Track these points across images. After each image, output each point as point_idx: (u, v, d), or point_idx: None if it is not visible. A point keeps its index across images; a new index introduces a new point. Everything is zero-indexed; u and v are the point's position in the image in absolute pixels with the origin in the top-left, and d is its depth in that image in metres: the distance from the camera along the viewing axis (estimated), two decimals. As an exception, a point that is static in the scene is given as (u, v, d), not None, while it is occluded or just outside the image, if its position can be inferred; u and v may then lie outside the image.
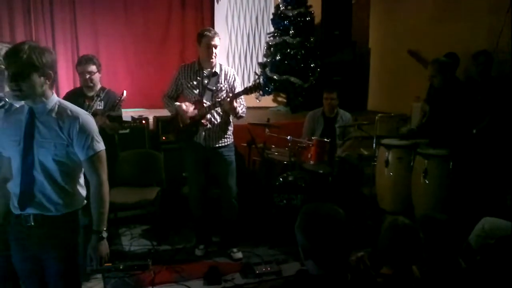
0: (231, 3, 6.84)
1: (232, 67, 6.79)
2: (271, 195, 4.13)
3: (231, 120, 3.70)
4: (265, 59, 6.75)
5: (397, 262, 1.87)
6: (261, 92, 6.43)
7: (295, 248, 1.65)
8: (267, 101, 6.85)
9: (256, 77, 6.78)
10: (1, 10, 5.61)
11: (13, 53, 1.92)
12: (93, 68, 3.68)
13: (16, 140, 2.00)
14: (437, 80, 3.91)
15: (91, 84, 3.69)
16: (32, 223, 2.03)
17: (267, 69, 6.56)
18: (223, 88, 3.57)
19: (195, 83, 3.55)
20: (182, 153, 3.88)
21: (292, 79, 6.38)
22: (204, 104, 3.52)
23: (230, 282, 3.38)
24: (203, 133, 3.57)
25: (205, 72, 3.56)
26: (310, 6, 6.56)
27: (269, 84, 6.50)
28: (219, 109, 3.57)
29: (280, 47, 6.47)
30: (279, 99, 7.06)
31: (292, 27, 6.39)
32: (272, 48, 6.58)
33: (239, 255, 3.77)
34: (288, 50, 6.40)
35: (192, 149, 3.65)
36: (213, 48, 3.47)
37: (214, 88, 3.55)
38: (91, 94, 3.72)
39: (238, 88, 3.61)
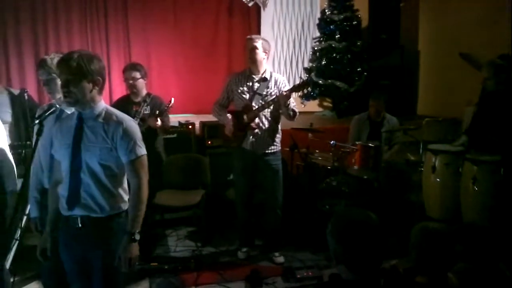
0: (277, 9, 6.90)
1: (278, 72, 6.84)
2: (314, 200, 4.12)
3: (279, 127, 3.73)
4: (310, 64, 6.74)
5: (431, 270, 1.82)
6: (305, 91, 6.37)
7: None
8: (312, 106, 6.83)
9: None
10: (59, 21, 5.97)
11: (64, 61, 2.04)
12: (136, 74, 3.85)
13: (66, 144, 2.11)
14: (491, 83, 3.75)
15: (135, 90, 3.87)
16: (79, 225, 2.13)
17: (313, 74, 6.54)
18: (273, 94, 3.60)
19: (245, 88, 3.62)
20: (228, 157, 3.94)
21: (338, 83, 6.33)
22: (253, 108, 3.57)
23: (271, 285, 3.40)
24: (251, 139, 3.61)
25: (255, 78, 3.63)
26: (357, 10, 6.49)
27: (315, 89, 6.48)
28: (267, 115, 3.61)
29: (326, 51, 6.44)
30: (325, 104, 7.02)
31: (338, 32, 6.34)
32: (317, 53, 6.56)
33: (281, 259, 3.78)
34: (334, 55, 6.35)
35: (240, 155, 3.69)
36: (256, 51, 3.54)
37: (264, 93, 3.60)
38: (137, 100, 3.88)
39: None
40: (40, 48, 5.80)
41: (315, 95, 6.58)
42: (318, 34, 6.70)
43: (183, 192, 4.31)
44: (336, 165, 4.19)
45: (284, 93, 3.46)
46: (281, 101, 3.47)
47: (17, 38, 5.81)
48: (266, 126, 3.62)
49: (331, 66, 6.36)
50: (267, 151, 3.66)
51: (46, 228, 2.25)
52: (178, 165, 4.45)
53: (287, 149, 4.40)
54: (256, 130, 3.59)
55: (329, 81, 6.35)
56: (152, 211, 3.84)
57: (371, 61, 6.55)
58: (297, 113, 3.62)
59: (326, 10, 6.52)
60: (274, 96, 3.58)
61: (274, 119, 3.66)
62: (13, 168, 2.67)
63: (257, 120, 3.58)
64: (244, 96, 3.61)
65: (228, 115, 3.65)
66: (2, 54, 5.76)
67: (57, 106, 2.13)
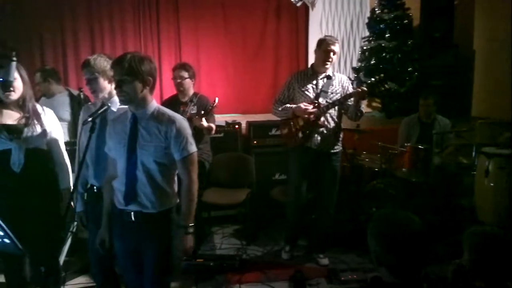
0: (326, 9, 6.84)
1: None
2: (360, 202, 4.06)
3: (342, 127, 3.72)
4: (359, 64, 6.63)
5: (489, 275, 1.75)
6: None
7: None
8: (361, 106, 6.71)
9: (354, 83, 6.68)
10: (114, 24, 6.24)
11: (118, 63, 2.15)
12: (184, 74, 3.95)
13: (122, 143, 2.21)
14: None
15: (182, 89, 3.98)
16: (132, 219, 2.23)
17: (361, 74, 6.44)
18: (338, 92, 3.60)
19: (309, 86, 3.62)
20: (273, 157, 3.94)
21: (388, 83, 6.18)
22: (320, 105, 3.55)
23: (315, 286, 3.40)
24: (317, 137, 3.59)
25: (320, 76, 3.63)
26: (408, 9, 6.32)
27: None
28: (333, 113, 3.60)
29: (375, 51, 6.31)
30: (374, 104, 6.88)
31: (388, 31, 6.20)
32: (366, 53, 6.45)
33: (325, 261, 3.76)
34: (384, 54, 6.21)
35: (300, 154, 3.65)
36: (331, 54, 3.53)
37: (329, 91, 3.59)
38: (185, 100, 3.99)
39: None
40: (96, 50, 6.07)
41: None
42: (367, 33, 6.59)
43: (229, 191, 4.38)
44: (384, 167, 4.11)
45: (360, 90, 3.41)
46: (356, 97, 3.44)
47: (75, 41, 6.12)
48: (332, 125, 3.61)
49: (381, 66, 6.23)
50: (331, 151, 3.64)
51: (103, 220, 2.36)
52: (224, 164, 4.54)
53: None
54: (322, 129, 3.57)
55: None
56: (200, 209, 3.93)
57: (422, 61, 6.36)
58: (363, 114, 3.60)
59: (376, 9, 6.39)
60: (339, 94, 3.58)
61: (339, 119, 3.65)
62: (68, 165, 2.82)
63: (322, 118, 3.57)
64: (308, 94, 3.60)
65: (301, 104, 3.56)
66: (61, 55, 6.09)
67: (108, 105, 2.22)
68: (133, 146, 2.19)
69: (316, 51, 3.64)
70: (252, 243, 4.19)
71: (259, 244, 4.19)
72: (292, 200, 3.82)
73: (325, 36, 3.68)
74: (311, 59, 7.05)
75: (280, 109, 3.69)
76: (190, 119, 3.78)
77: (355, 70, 6.68)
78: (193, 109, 3.90)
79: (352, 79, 6.64)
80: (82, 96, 3.77)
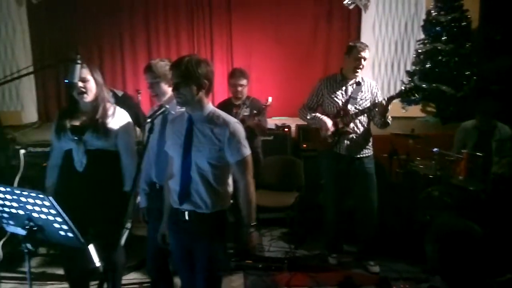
0: (379, 11, 6.71)
1: (378, 77, 6.67)
2: (413, 210, 3.95)
3: (371, 131, 3.68)
4: (413, 67, 6.45)
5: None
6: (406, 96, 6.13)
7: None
8: (414, 111, 6.52)
9: (404, 85, 6.52)
10: (169, 29, 6.46)
11: (175, 66, 2.22)
12: (244, 81, 4.00)
13: (178, 144, 2.28)
14: None
15: (240, 96, 4.02)
16: (186, 218, 2.29)
17: (416, 77, 6.26)
18: (367, 98, 3.58)
19: (338, 92, 3.60)
20: (318, 161, 3.93)
21: (443, 87, 5.98)
22: (350, 112, 3.54)
23: (364, 294, 3.34)
24: (346, 143, 3.58)
25: (349, 82, 3.60)
26: (466, 11, 6.08)
27: (417, 93, 6.18)
28: (362, 118, 3.57)
29: (431, 54, 6.12)
30: (428, 109, 6.66)
31: (444, 33, 6.00)
32: (421, 56, 6.26)
33: (376, 268, 3.68)
34: (440, 57, 6.01)
35: (331, 159, 3.66)
36: (362, 60, 3.50)
37: (358, 97, 3.57)
38: (238, 102, 4.04)
39: (381, 98, 3.56)
40: (152, 54, 6.29)
41: (417, 99, 6.28)
42: (422, 36, 6.39)
43: (278, 193, 4.39)
44: (439, 174, 3.97)
45: (384, 102, 3.39)
46: (379, 110, 3.42)
47: (132, 46, 6.38)
48: (361, 130, 3.58)
49: (436, 70, 6.03)
50: (361, 155, 3.61)
51: (164, 216, 2.44)
52: (273, 166, 4.55)
53: (386, 155, 4.27)
54: (351, 135, 3.55)
55: (434, 85, 6.03)
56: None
57: (481, 65, 6.09)
58: (389, 124, 3.55)
59: (432, 11, 6.19)
60: (368, 101, 3.55)
61: (368, 124, 3.63)
62: (134, 167, 2.90)
63: (352, 125, 3.55)
64: (337, 100, 3.59)
65: (323, 116, 3.61)
66: (119, 59, 6.37)
67: (166, 107, 2.28)
68: (188, 147, 2.25)
69: (346, 58, 3.60)
70: (300, 247, 4.16)
71: (307, 248, 4.16)
72: (327, 204, 3.82)
73: (355, 42, 3.64)
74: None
75: (308, 117, 3.70)
76: (243, 121, 3.83)
77: (409, 73, 6.50)
78: (246, 111, 3.94)
79: (406, 82, 6.48)
80: (139, 97, 3.90)
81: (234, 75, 4.04)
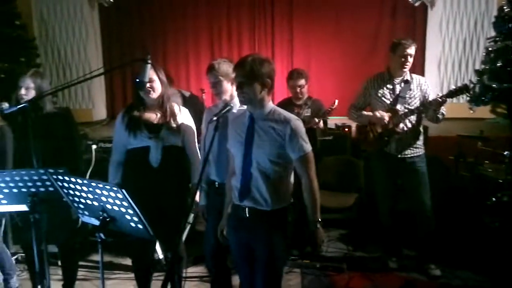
0: (447, 8, 6.45)
1: (444, 76, 6.42)
2: (480, 215, 3.77)
3: (421, 129, 3.58)
4: (482, 66, 6.15)
5: None
6: (467, 94, 5.86)
7: (509, 277, 1.50)
8: (483, 112, 6.22)
9: (472, 85, 6.23)
10: (231, 30, 6.60)
11: (239, 65, 2.26)
12: (302, 82, 4.00)
13: (239, 141, 2.32)
14: None
15: (301, 96, 4.03)
16: (247, 215, 2.32)
17: (485, 76, 5.96)
18: (416, 96, 3.47)
19: (386, 92, 3.52)
20: (369, 162, 3.85)
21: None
22: (399, 112, 3.46)
23: (426, 300, 3.24)
24: (396, 143, 3.50)
25: (396, 81, 3.51)
26: (543, 6, 5.71)
27: (487, 93, 5.89)
28: (412, 117, 3.47)
29: (502, 52, 5.80)
30: (499, 110, 6.32)
31: (518, 31, 5.68)
32: (492, 54, 5.96)
33: (437, 272, 3.55)
34: (512, 56, 5.70)
35: (382, 159, 3.59)
36: (408, 58, 3.40)
37: (407, 96, 3.47)
38: (299, 103, 4.05)
39: (432, 96, 3.44)
40: (215, 55, 6.45)
41: (487, 100, 5.98)
42: (493, 33, 6.08)
43: (337, 194, 4.34)
44: (510, 179, 3.77)
45: (440, 100, 3.27)
46: (433, 106, 3.31)
47: (196, 47, 6.59)
48: (411, 129, 3.48)
49: (508, 68, 5.71)
50: (412, 154, 3.51)
51: (224, 212, 2.51)
52: (332, 167, 4.51)
53: (452, 157, 4.11)
54: (401, 135, 3.47)
55: (505, 85, 5.71)
56: (307, 210, 3.95)
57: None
58: (444, 116, 3.43)
59: (505, 7, 5.86)
60: (417, 99, 3.44)
61: (418, 122, 3.52)
62: (199, 162, 3.01)
63: (401, 125, 3.46)
64: (384, 99, 3.51)
65: (376, 112, 3.51)
66: (183, 61, 6.60)
67: (231, 105, 2.34)
68: (249, 144, 2.28)
69: (391, 56, 3.48)
70: (359, 249, 4.10)
71: (366, 250, 4.09)
72: (380, 205, 3.74)
73: (400, 39, 3.48)
74: (428, 63, 6.75)
75: (356, 116, 3.66)
76: (304, 122, 3.83)
77: (478, 73, 6.20)
78: (307, 112, 3.94)
79: (475, 82, 6.19)
80: (203, 96, 4.02)
81: (293, 76, 4.05)
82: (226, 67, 2.69)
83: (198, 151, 2.96)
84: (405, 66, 3.44)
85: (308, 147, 2.28)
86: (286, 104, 4.10)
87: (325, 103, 4.05)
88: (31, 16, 6.27)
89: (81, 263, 3.90)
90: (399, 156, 3.52)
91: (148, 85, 2.71)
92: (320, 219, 2.33)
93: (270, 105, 2.33)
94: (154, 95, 2.78)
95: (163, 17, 6.65)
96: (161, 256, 3.59)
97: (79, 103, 6.54)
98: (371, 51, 6.63)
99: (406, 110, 3.44)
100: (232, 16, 6.58)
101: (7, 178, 2.21)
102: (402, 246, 3.86)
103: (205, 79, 6.30)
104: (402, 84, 3.50)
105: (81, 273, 3.77)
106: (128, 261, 3.92)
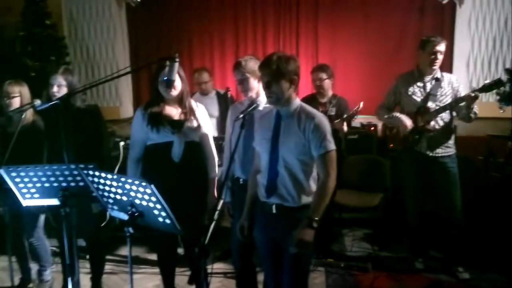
0: (476, 5, 6.30)
1: (473, 74, 6.28)
2: (511, 216, 3.67)
3: (453, 128, 3.53)
4: (514, 65, 5.99)
5: None
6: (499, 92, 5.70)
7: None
8: (514, 111, 6.05)
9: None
10: (256, 28, 6.61)
11: (265, 64, 2.26)
12: (322, 75, 3.99)
13: (266, 139, 2.33)
14: None
15: (321, 91, 4.01)
16: (274, 211, 2.32)
17: (516, 75, 5.80)
18: (448, 94, 3.42)
19: (416, 90, 3.48)
20: (398, 161, 3.80)
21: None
22: (430, 109, 3.40)
23: (453, 302, 3.19)
24: (426, 141, 3.45)
25: (427, 78, 3.46)
26: None
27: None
28: (443, 115, 3.42)
29: (534, 50, 5.65)
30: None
31: (551, 28, 5.51)
32: (523, 52, 5.81)
33: (465, 275, 3.49)
34: (545, 54, 5.54)
35: (412, 158, 3.55)
36: (438, 55, 3.35)
37: (438, 94, 3.41)
38: (323, 100, 4.02)
39: (463, 93, 3.37)
40: (240, 52, 6.48)
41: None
42: (524, 31, 5.93)
43: (362, 193, 4.31)
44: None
45: (473, 94, 3.21)
46: (467, 102, 3.24)
47: (221, 45, 6.64)
48: (442, 127, 3.43)
49: (540, 67, 5.55)
50: (443, 154, 3.45)
51: (245, 209, 2.52)
52: (358, 166, 4.46)
53: (481, 157, 4.02)
54: (432, 133, 3.41)
55: (537, 84, 5.55)
56: (331, 209, 3.94)
57: None
58: (477, 115, 3.36)
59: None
60: (449, 96, 3.39)
61: (450, 121, 3.46)
62: (215, 156, 3.06)
63: (432, 123, 3.41)
64: (415, 97, 3.46)
65: (401, 115, 3.51)
66: (208, 58, 6.65)
67: (258, 103, 2.35)
68: (275, 142, 2.29)
69: (420, 53, 3.44)
70: (384, 249, 4.06)
71: (391, 250, 4.05)
72: (408, 205, 3.68)
73: (429, 36, 3.43)
74: (457, 61, 6.61)
75: (385, 116, 3.62)
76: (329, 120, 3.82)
77: (508, 72, 6.03)
78: (331, 111, 3.92)
79: (505, 81, 6.02)
80: (229, 95, 4.06)
81: (314, 70, 4.09)
82: (253, 64, 2.70)
83: (214, 146, 3.04)
84: (435, 64, 3.39)
85: (331, 145, 2.25)
86: (310, 100, 4.08)
87: (350, 103, 4.02)
88: (61, 15, 6.43)
89: (108, 257, 3.99)
90: (430, 155, 3.47)
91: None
92: (317, 219, 2.19)
93: (297, 102, 2.33)
94: (175, 92, 2.83)
95: (189, 17, 6.72)
96: (183, 251, 3.64)
97: (107, 101, 6.67)
98: (398, 50, 6.53)
99: (438, 108, 3.38)
100: (257, 16, 6.60)
101: (40, 173, 2.29)
102: (429, 247, 3.81)
103: (230, 78, 6.39)
104: (433, 82, 3.45)
105: (108, 266, 3.85)
106: (154, 256, 3.99)
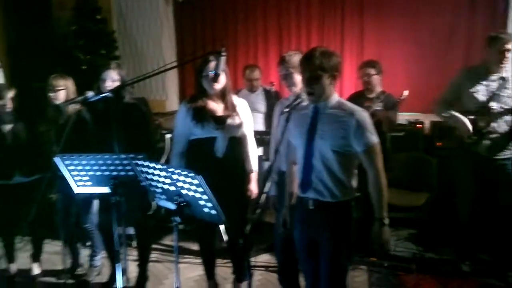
0: (533, -3, 5.97)
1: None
2: None
3: None
4: None
5: None
6: None
7: None
8: None
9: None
10: (300, 22, 6.57)
11: (307, 59, 2.22)
12: (370, 70, 3.92)
13: (302, 132, 2.31)
14: None
15: (369, 86, 3.94)
16: (312, 207, 2.30)
17: None
18: None
19: (480, 88, 3.32)
20: (453, 160, 3.67)
21: None
22: (493, 110, 3.26)
23: (502, 307, 3.07)
24: (487, 143, 3.31)
25: (493, 77, 3.30)
26: None
27: None
28: (507, 117, 3.26)
29: None
30: None
31: None
32: None
33: (519, 281, 3.35)
34: None
35: (469, 159, 3.42)
36: (506, 53, 3.19)
37: (504, 94, 3.25)
38: (371, 96, 3.95)
39: None
40: (283, 48, 6.47)
41: None
42: None
43: (406, 192, 4.19)
44: None
45: None
46: None
47: (265, 40, 6.66)
48: (505, 130, 3.27)
49: None
50: (504, 156, 3.31)
51: (285, 202, 2.52)
52: (403, 164, 4.35)
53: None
54: (493, 135, 3.28)
55: None
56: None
57: None
58: None
59: None
60: None
61: None
62: (256, 151, 3.08)
63: (494, 124, 3.27)
64: (477, 96, 3.31)
65: (461, 116, 3.36)
66: (252, 53, 6.68)
67: (302, 97, 2.33)
68: (312, 135, 2.26)
69: (488, 50, 3.26)
70: (429, 251, 3.95)
71: (437, 252, 3.94)
72: (461, 206, 3.56)
73: (498, 32, 3.26)
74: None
75: (444, 114, 3.46)
76: (373, 115, 3.74)
77: None
78: (378, 106, 3.83)
79: None
80: (273, 90, 4.07)
81: (361, 66, 4.04)
82: (297, 59, 2.67)
83: (255, 141, 3.07)
84: (504, 62, 3.22)
85: (374, 138, 2.22)
86: (358, 97, 4.03)
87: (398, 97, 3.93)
88: (111, 10, 6.62)
89: (154, 246, 4.12)
90: (489, 157, 3.33)
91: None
92: (386, 217, 2.23)
93: (335, 96, 2.30)
94: (219, 86, 2.86)
95: (234, 13, 6.77)
96: (225, 243, 3.69)
97: (153, 94, 6.81)
98: (448, 44, 6.27)
99: (502, 110, 3.23)
100: (302, 13, 6.56)
101: (92, 162, 2.38)
102: (477, 249, 3.67)
103: (273, 74, 6.39)
104: (500, 81, 3.28)
105: (153, 255, 3.98)
106: (196, 247, 4.07)
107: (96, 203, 3.47)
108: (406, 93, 3.73)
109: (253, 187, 3.08)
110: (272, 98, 4.30)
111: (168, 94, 6.91)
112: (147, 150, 2.93)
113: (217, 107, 2.91)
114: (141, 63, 6.75)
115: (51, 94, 3.34)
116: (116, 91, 2.70)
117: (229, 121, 2.88)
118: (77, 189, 2.52)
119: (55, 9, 6.24)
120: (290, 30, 6.63)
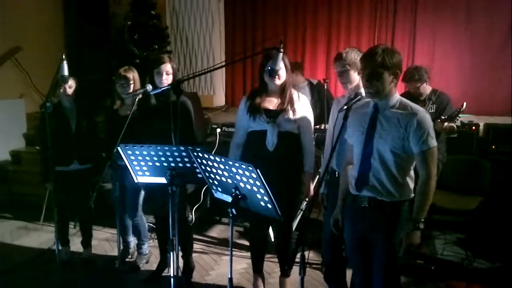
0: None
1: None
2: None
3: None
4: None
5: None
6: None
7: None
8: None
9: None
10: (351, 21, 6.51)
11: (370, 56, 2.20)
12: (415, 84, 3.86)
13: (360, 130, 2.30)
14: None
15: (416, 95, 3.86)
16: (366, 205, 2.28)
17: None
18: None
19: None
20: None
21: None
22: None
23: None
24: None
25: None
26: None
27: None
28: None
29: None
30: None
31: None
32: None
33: None
34: None
35: None
36: None
37: None
38: (422, 98, 3.87)
39: None
40: (331, 46, 6.44)
41: None
42: None
43: (457, 196, 4.09)
44: None
45: None
46: None
47: (314, 38, 6.65)
48: None
49: None
50: None
51: (338, 202, 2.51)
52: (455, 166, 4.25)
53: None
54: None
55: None
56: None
57: None
58: None
59: None
60: None
61: None
62: (313, 150, 3.08)
63: None
64: None
65: None
66: (300, 50, 6.68)
67: (362, 95, 2.31)
68: (371, 134, 2.25)
69: None
70: (479, 257, 3.84)
71: (487, 258, 3.81)
72: None
73: None
74: None
75: None
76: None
77: None
78: (431, 108, 3.75)
79: None
80: (325, 86, 4.06)
81: (402, 78, 3.88)
82: (354, 56, 2.66)
83: (313, 140, 3.04)
84: None
85: (433, 142, 2.18)
86: (408, 98, 3.94)
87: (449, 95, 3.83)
88: (165, 6, 6.81)
89: (200, 237, 4.22)
90: None
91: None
92: (422, 221, 2.21)
93: (397, 95, 2.27)
94: (279, 81, 2.88)
95: (283, 10, 6.80)
96: (273, 239, 3.73)
97: (202, 89, 6.96)
98: (505, 44, 6.02)
99: None
100: (352, 11, 6.49)
101: (152, 152, 2.46)
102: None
103: (320, 71, 6.35)
104: None
105: (199, 246, 4.08)
106: (242, 240, 4.14)
107: (142, 194, 3.60)
108: (464, 105, 3.63)
109: (308, 189, 3.06)
110: (320, 92, 4.29)
111: (215, 89, 7.04)
112: (198, 143, 3.04)
113: (272, 101, 2.95)
114: (192, 58, 6.90)
115: (124, 87, 3.45)
116: (176, 84, 2.77)
117: (281, 115, 2.89)
118: (136, 179, 2.61)
119: (112, 4, 6.48)
120: (339, 30, 6.57)
